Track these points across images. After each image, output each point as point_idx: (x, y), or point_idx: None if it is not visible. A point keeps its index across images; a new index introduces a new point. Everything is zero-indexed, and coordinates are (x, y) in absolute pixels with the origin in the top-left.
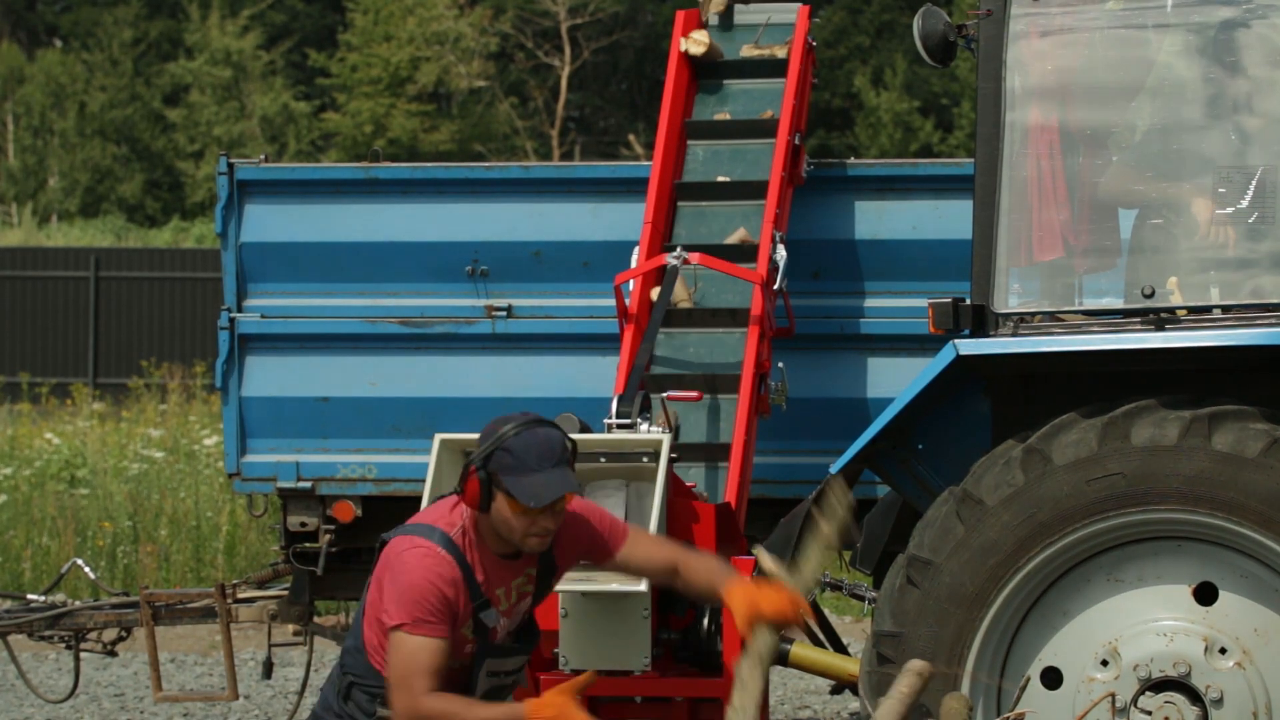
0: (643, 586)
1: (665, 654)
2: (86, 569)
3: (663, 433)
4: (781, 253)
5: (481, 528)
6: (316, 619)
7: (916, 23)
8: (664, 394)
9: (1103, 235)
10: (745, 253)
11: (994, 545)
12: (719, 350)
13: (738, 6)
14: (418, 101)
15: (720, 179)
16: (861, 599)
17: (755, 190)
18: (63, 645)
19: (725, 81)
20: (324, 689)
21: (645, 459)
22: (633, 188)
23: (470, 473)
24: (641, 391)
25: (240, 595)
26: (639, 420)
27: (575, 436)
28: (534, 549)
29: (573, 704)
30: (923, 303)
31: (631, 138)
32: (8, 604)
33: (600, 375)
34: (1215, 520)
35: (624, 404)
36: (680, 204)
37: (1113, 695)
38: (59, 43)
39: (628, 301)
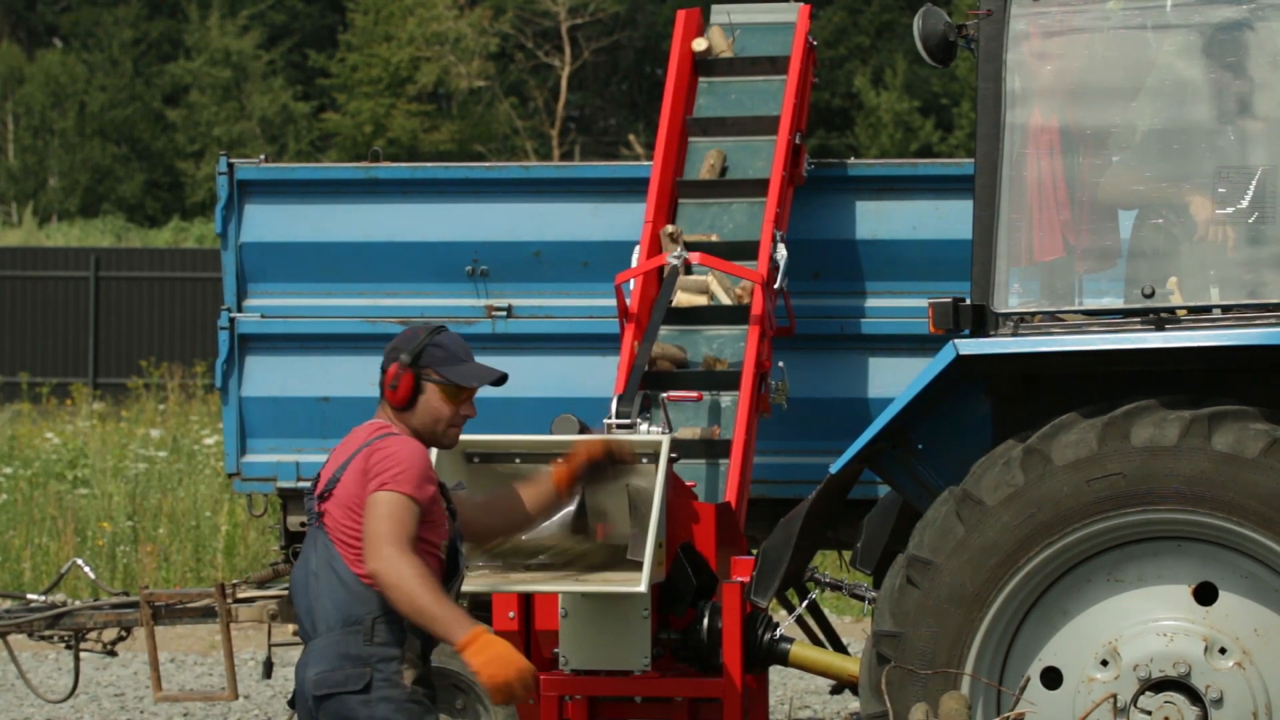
0: (643, 587)
1: (665, 654)
2: (86, 569)
3: (662, 433)
4: (782, 252)
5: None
6: None
7: (916, 23)
8: (664, 394)
9: (1103, 235)
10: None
11: (994, 545)
12: (757, 100)
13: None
14: (418, 101)
15: None
16: (861, 599)
17: None
18: (63, 645)
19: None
20: (323, 654)
21: (645, 459)
22: (633, 188)
23: (402, 370)
24: (641, 391)
25: (240, 595)
26: (639, 420)
27: (575, 437)
28: (453, 441)
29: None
30: (923, 303)
31: (631, 138)
32: (8, 604)
33: (600, 375)
34: (1215, 520)
35: (624, 404)
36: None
37: (1114, 695)
38: (59, 43)
39: (628, 301)
